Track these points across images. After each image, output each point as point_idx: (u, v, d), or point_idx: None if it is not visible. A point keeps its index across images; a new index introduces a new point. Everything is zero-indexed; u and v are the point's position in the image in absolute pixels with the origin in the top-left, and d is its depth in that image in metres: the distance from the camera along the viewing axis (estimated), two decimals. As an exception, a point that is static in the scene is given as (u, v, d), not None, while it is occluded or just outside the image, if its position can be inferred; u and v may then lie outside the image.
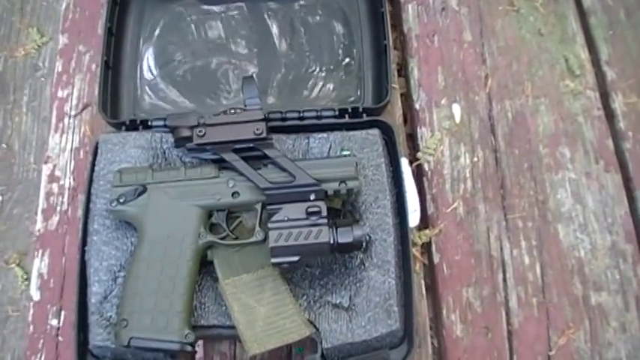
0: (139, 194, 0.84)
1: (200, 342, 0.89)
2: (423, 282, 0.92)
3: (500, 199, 0.96)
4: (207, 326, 0.85)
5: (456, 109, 1.02)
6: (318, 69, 1.02)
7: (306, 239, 0.79)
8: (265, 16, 1.06)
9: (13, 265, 1.01)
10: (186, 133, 0.84)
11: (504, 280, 0.92)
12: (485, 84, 1.03)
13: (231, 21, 1.06)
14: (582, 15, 1.10)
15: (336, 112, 0.93)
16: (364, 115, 0.93)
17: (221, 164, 0.86)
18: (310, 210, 0.80)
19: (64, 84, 1.05)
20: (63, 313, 0.91)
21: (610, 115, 1.02)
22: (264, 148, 0.84)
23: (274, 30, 1.05)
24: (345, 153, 0.86)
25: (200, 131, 0.84)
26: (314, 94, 1.00)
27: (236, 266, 0.84)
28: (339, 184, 0.83)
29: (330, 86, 1.01)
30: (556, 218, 0.95)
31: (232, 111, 0.85)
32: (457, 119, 1.01)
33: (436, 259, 0.93)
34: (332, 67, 1.02)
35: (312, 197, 0.81)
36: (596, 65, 1.06)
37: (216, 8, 1.06)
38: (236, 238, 0.85)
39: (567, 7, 1.10)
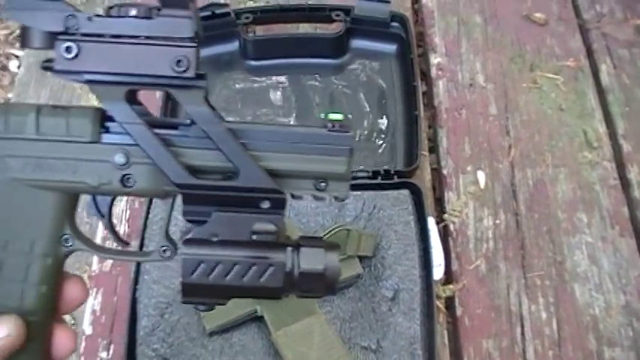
0: None
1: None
2: (445, 332, 1.04)
3: (520, 258, 1.08)
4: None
5: (481, 175, 1.15)
6: (355, 137, 1.17)
7: (243, 278, 0.55)
8: (306, 88, 1.22)
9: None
10: (39, 42, 0.52)
11: (522, 333, 1.02)
12: (509, 153, 1.17)
13: (276, 92, 1.22)
14: (601, 92, 1.24)
15: (370, 174, 1.06)
16: (395, 177, 1.07)
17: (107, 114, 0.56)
18: (257, 228, 0.56)
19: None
20: (112, 346, 1.02)
21: (626, 184, 1.15)
22: (188, 103, 0.54)
23: (315, 101, 1.21)
24: (333, 117, 0.59)
25: (68, 48, 0.52)
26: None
27: (285, 317, 0.92)
28: (316, 185, 0.58)
29: (367, 152, 1.15)
30: (572, 278, 1.06)
31: (133, 12, 0.52)
32: (482, 185, 1.14)
33: (459, 311, 1.04)
34: (368, 134, 1.16)
35: (266, 205, 0.56)
36: (613, 138, 1.19)
37: (262, 80, 1.23)
38: (125, 243, 0.63)
39: (587, 85, 1.24)
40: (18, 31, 1.67)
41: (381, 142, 1.16)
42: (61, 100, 1.29)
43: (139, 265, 1.00)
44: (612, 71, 1.27)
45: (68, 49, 0.51)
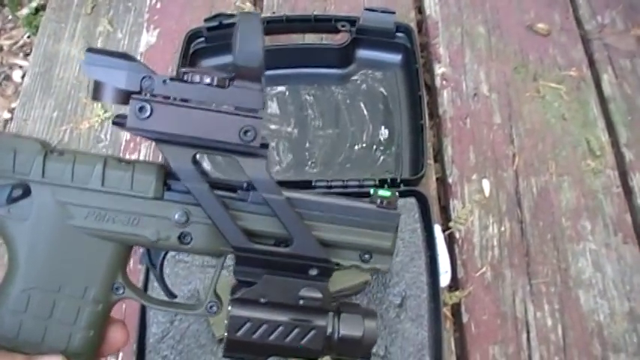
0: (16, 198, 0.55)
1: None
2: (452, 339, 1.06)
3: (525, 265, 1.10)
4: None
5: (486, 184, 1.18)
6: (360, 145, 1.19)
7: (285, 339, 0.59)
8: (306, 98, 1.24)
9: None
10: (111, 97, 0.55)
11: (528, 339, 1.05)
12: (513, 162, 1.20)
13: (275, 101, 1.24)
14: (603, 102, 1.27)
15: (377, 182, 1.09)
16: (402, 185, 1.10)
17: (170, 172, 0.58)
18: (304, 294, 0.60)
19: (132, 151, 1.24)
20: (121, 354, 1.04)
21: (628, 192, 1.17)
22: (251, 170, 0.57)
23: (316, 111, 1.23)
24: (382, 194, 0.62)
25: (142, 108, 0.54)
26: (357, 167, 1.17)
27: None
28: (361, 257, 0.62)
29: (372, 160, 1.18)
30: (577, 284, 1.09)
31: (207, 79, 0.54)
32: (486, 193, 1.17)
33: (465, 318, 1.06)
34: (373, 144, 1.19)
35: (314, 272, 0.60)
36: (616, 147, 1.22)
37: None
38: (173, 295, 0.66)
39: (589, 95, 1.27)
40: (21, 41, 1.70)
41: (385, 151, 1.19)
42: (66, 109, 1.32)
43: (147, 272, 1.02)
44: (614, 81, 1.30)
45: (142, 109, 0.54)
